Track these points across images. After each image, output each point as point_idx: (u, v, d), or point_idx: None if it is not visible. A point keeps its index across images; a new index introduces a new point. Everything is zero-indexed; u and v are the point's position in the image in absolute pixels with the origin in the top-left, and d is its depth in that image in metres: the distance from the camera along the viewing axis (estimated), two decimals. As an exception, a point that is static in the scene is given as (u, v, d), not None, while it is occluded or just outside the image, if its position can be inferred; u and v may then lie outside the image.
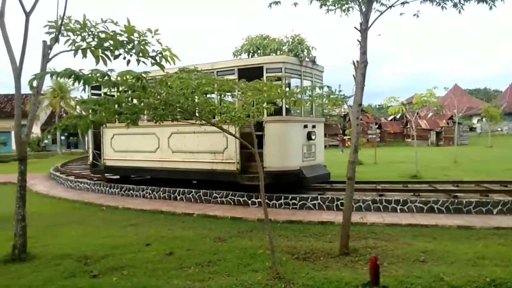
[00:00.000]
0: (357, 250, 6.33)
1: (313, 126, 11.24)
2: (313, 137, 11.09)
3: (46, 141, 43.82)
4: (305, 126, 11.00)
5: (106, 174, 14.86)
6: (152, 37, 5.25)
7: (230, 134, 5.85)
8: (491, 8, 6.34)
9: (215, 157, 11.31)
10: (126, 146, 13.30)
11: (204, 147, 11.41)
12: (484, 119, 46.82)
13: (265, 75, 9.93)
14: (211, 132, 10.68)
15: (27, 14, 6.18)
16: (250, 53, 16.97)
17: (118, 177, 14.89)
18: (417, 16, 6.78)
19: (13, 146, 29.86)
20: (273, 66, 10.39)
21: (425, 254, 6.12)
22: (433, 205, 9.24)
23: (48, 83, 37.97)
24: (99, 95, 12.86)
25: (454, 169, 18.30)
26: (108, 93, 12.54)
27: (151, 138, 12.50)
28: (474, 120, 58.62)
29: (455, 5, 6.42)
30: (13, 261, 6.19)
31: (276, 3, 7.10)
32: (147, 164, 12.80)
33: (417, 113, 20.24)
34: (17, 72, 6.26)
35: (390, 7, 6.49)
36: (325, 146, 44.91)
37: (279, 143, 10.42)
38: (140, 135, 12.48)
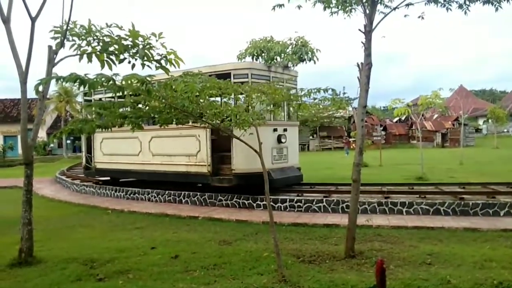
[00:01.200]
0: (363, 252, 6.30)
1: (285, 130, 11.39)
2: (283, 140, 11.27)
3: (52, 145, 44.04)
4: (275, 130, 11.14)
5: (97, 176, 15.45)
6: (157, 40, 5.27)
7: (235, 137, 5.85)
8: (497, 9, 6.30)
9: (189, 160, 11.74)
10: (113, 149, 13.98)
11: (180, 150, 11.90)
12: (490, 120, 46.51)
13: (232, 81, 10.05)
14: (186, 135, 11.50)
15: (33, 20, 6.23)
16: (254, 56, 16.95)
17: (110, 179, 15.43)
18: (422, 18, 6.76)
19: (20, 150, 30.08)
20: (239, 72, 10.59)
21: (431, 256, 6.08)
22: (439, 207, 9.18)
23: (54, 87, 38.20)
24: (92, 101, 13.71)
25: (460, 170, 18.18)
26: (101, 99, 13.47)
27: (135, 142, 13.03)
28: (480, 122, 58.28)
29: (460, 6, 6.39)
30: (19, 265, 6.21)
31: (280, 6, 7.10)
32: (131, 167, 13.41)
33: (422, 115, 20.13)
34: (23, 77, 6.31)
35: (395, 9, 6.47)
36: (330, 148, 44.81)
37: (247, 147, 10.44)
38: (125, 139, 13.04)
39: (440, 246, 6.69)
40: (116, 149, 13.87)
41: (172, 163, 12.21)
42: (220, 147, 11.42)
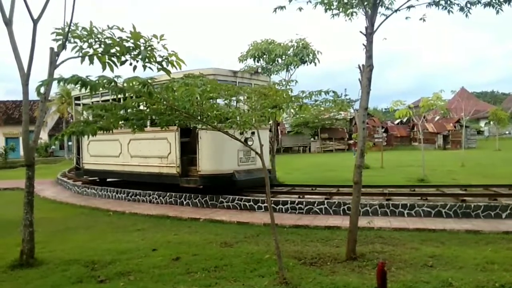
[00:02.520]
0: (364, 255, 6.29)
1: (252, 133, 11.34)
2: (249, 143, 11.45)
3: (53, 146, 44.10)
4: (242, 133, 11.29)
5: (85, 177, 16.15)
6: (158, 42, 5.28)
7: (236, 139, 5.85)
8: (497, 12, 6.30)
9: (161, 161, 12.35)
10: (99, 151, 14.68)
11: (154, 152, 12.51)
12: (491, 122, 46.41)
13: None
14: (159, 138, 11.99)
15: (35, 22, 6.25)
16: (256, 58, 16.95)
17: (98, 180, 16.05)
18: (424, 20, 6.76)
19: (21, 152, 30.11)
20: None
21: (433, 259, 6.07)
22: (441, 209, 9.17)
23: (55, 89, 38.28)
24: (85, 104, 14.73)
25: (461, 172, 18.15)
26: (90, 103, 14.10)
27: (116, 144, 13.66)
28: (482, 124, 58.20)
29: (461, 9, 6.40)
30: (20, 267, 6.22)
31: (281, 8, 7.11)
32: (114, 168, 14.09)
33: (424, 117, 20.10)
34: (25, 78, 6.32)
35: (396, 11, 6.48)
36: (331, 150, 44.64)
37: (212, 149, 11.29)
38: (109, 141, 13.56)
39: (441, 249, 6.68)
40: (101, 150, 14.50)
41: (147, 164, 12.81)
42: (193, 149, 11.69)
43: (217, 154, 11.33)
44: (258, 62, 17.06)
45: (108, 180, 15.64)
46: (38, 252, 6.61)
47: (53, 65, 6.24)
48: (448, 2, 6.35)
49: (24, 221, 6.41)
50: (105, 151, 14.25)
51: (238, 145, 11.20)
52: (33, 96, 6.42)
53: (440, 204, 9.26)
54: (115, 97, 11.12)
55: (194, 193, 11.77)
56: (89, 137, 14.29)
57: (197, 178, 11.44)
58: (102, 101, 13.33)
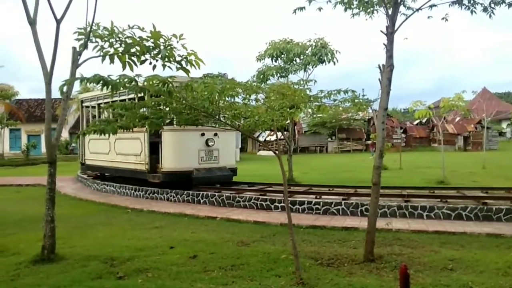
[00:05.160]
0: (382, 256, 6.23)
1: (215, 134, 12.78)
2: (210, 143, 12.80)
3: (74, 144, 44.88)
4: (203, 134, 12.63)
5: (87, 171, 17.90)
6: (177, 42, 5.32)
7: (254, 138, 5.84)
8: (522, 10, 6.16)
9: (136, 159, 13.71)
10: (96, 148, 16.20)
11: (131, 150, 13.84)
12: (514, 124, 45.31)
13: None
14: (135, 138, 13.37)
15: (58, 22, 6.37)
16: (274, 58, 16.94)
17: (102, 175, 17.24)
18: (446, 20, 6.65)
19: (43, 149, 30.73)
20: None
21: (453, 262, 5.97)
22: (461, 212, 9.00)
23: (77, 88, 38.95)
24: (87, 107, 16.99)
25: (482, 175, 17.80)
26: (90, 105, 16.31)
27: (106, 143, 14.91)
28: (504, 125, 56.84)
29: (485, 10, 6.27)
30: (42, 261, 6.35)
31: (301, 8, 7.08)
32: (105, 164, 15.64)
33: (444, 117, 19.75)
34: (48, 77, 6.45)
35: (418, 10, 6.39)
36: (349, 151, 44.25)
37: (172, 148, 12.64)
38: (102, 139, 14.48)
39: (462, 252, 6.57)
40: (97, 148, 15.99)
41: (127, 161, 14.20)
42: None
43: (177, 153, 12.62)
44: (276, 61, 17.06)
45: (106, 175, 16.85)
46: (58, 247, 6.74)
47: (75, 64, 6.35)
48: (472, 1, 6.23)
49: (46, 217, 6.55)
50: (100, 149, 15.64)
51: (199, 145, 12.67)
52: (55, 94, 6.55)
53: (460, 207, 9.09)
54: (110, 100, 11.97)
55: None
56: (90, 136, 15.46)
57: (160, 174, 12.70)
58: (98, 104, 15.34)
